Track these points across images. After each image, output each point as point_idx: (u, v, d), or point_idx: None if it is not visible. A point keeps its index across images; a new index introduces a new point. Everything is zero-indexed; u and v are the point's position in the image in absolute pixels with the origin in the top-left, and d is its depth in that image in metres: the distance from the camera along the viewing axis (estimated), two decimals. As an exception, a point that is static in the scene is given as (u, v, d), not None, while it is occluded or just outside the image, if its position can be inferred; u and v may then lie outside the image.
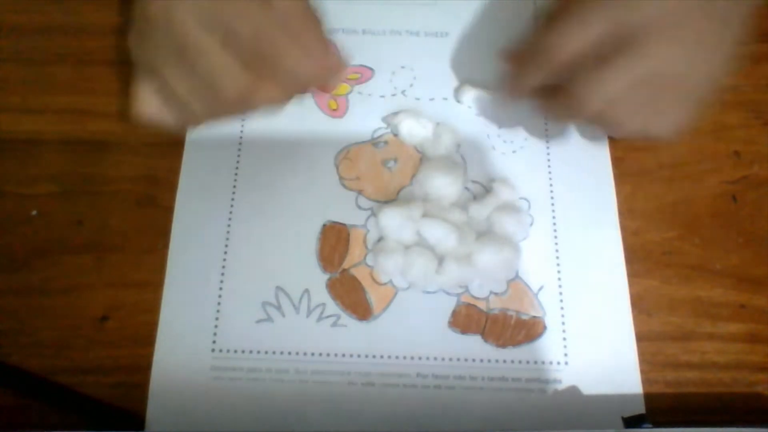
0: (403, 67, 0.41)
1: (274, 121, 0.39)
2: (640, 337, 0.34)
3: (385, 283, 0.35)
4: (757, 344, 0.35)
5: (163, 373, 0.33)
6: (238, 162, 0.38)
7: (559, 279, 0.36)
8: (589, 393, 0.33)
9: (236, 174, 0.38)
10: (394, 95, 0.40)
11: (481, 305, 0.35)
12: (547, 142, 0.39)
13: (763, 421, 0.33)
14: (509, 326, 0.35)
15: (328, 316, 0.35)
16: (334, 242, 0.36)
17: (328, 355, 0.34)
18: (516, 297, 0.35)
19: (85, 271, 0.35)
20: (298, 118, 0.39)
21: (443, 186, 0.36)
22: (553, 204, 0.37)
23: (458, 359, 0.34)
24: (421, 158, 0.38)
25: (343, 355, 0.34)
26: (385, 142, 0.39)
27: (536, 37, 0.33)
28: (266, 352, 0.34)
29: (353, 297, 0.35)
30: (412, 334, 0.34)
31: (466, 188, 0.37)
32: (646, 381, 0.34)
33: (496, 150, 0.39)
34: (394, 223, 0.35)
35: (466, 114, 0.39)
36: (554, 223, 0.37)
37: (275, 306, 0.35)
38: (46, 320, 0.34)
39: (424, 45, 0.41)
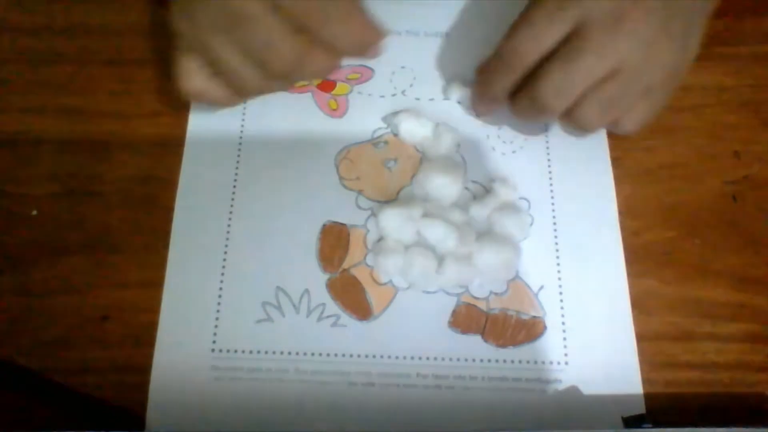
0: (403, 67, 0.41)
1: (274, 121, 0.39)
2: (640, 337, 0.34)
3: (385, 283, 0.35)
4: (757, 344, 0.35)
5: (163, 373, 0.33)
6: (238, 162, 0.38)
7: (559, 279, 0.36)
8: (589, 393, 0.33)
9: (236, 174, 0.38)
10: (394, 95, 0.40)
11: (481, 305, 0.35)
12: (547, 142, 0.39)
13: (763, 421, 0.33)
14: (509, 326, 0.35)
15: (328, 316, 0.35)
16: (334, 242, 0.36)
17: (328, 355, 0.34)
18: (516, 297, 0.35)
19: (85, 271, 0.35)
20: (298, 118, 0.39)
21: (443, 186, 0.36)
22: (553, 204, 0.37)
23: (458, 359, 0.34)
24: (421, 158, 0.38)
25: (343, 355, 0.34)
26: (385, 142, 0.39)
27: (501, 44, 0.34)
28: (266, 352, 0.34)
29: (353, 297, 0.35)
30: (412, 334, 0.34)
31: (466, 188, 0.37)
32: (646, 381, 0.34)
33: (496, 150, 0.39)
34: (394, 223, 0.35)
35: (466, 114, 0.39)
36: (554, 223, 0.37)
37: (275, 306, 0.35)
38: (46, 320, 0.34)
39: (424, 45, 0.41)
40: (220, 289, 0.35)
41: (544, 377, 0.34)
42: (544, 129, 0.39)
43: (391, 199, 0.37)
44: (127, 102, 0.39)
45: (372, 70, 0.40)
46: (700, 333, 0.35)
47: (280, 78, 0.32)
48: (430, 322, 0.35)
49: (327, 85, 0.40)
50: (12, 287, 0.35)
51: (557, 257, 0.36)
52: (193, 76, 0.32)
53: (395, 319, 0.35)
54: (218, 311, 0.35)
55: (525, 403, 0.33)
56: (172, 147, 0.38)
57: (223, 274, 0.35)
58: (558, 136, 0.39)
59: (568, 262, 0.36)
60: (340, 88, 0.40)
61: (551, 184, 0.38)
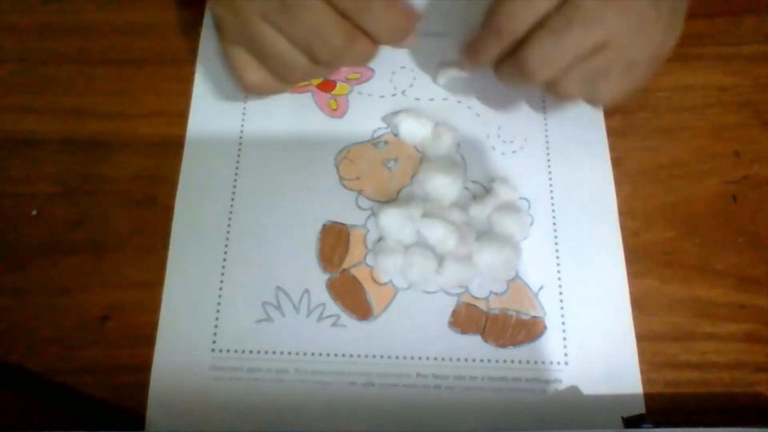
0: (403, 67, 0.41)
1: (274, 121, 0.39)
2: (640, 337, 0.34)
3: (385, 283, 0.35)
4: (757, 344, 0.35)
5: (163, 373, 0.33)
6: (238, 162, 0.38)
7: (559, 279, 0.36)
8: (589, 393, 0.33)
9: (236, 174, 0.38)
10: (394, 95, 0.40)
11: (481, 305, 0.35)
12: (547, 142, 0.39)
13: (763, 421, 0.33)
14: (509, 326, 0.35)
15: (328, 316, 0.35)
16: (334, 242, 0.36)
17: (328, 355, 0.34)
18: (516, 297, 0.35)
19: (85, 271, 0.35)
20: (298, 118, 0.39)
21: (443, 186, 0.36)
22: (553, 204, 0.37)
23: (458, 359, 0.34)
24: (421, 158, 0.38)
25: (343, 355, 0.34)
26: (385, 142, 0.39)
27: (487, 14, 0.33)
28: (266, 352, 0.34)
29: (353, 297, 0.35)
30: (412, 334, 0.34)
31: (466, 188, 0.37)
32: (646, 381, 0.34)
33: (496, 150, 0.39)
34: (394, 223, 0.35)
35: (466, 114, 0.39)
36: (554, 223, 0.37)
37: (275, 306, 0.35)
38: (46, 320, 0.34)
39: (424, 45, 0.41)
40: (220, 289, 0.35)
41: (544, 377, 0.34)
42: (544, 127, 0.39)
43: (391, 199, 0.37)
44: (127, 102, 0.39)
45: (372, 70, 0.40)
46: (700, 333, 0.35)
47: (325, 64, 0.32)
48: (430, 322, 0.35)
49: (327, 85, 0.40)
50: (12, 287, 0.35)
51: (557, 257, 0.36)
52: (250, 67, 0.33)
53: (395, 319, 0.34)
54: (218, 311, 0.35)
55: (525, 403, 0.33)
56: (172, 147, 0.38)
57: (223, 274, 0.35)
58: (558, 135, 0.39)
59: (568, 262, 0.36)
60: (340, 88, 0.40)
61: (551, 184, 0.38)
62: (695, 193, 0.38)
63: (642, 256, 0.36)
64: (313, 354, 0.34)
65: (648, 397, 0.33)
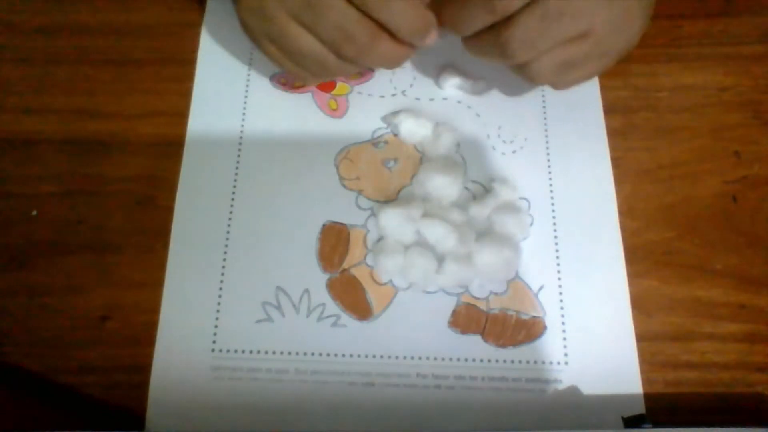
0: (403, 67, 0.40)
1: (274, 121, 0.39)
2: (640, 337, 0.34)
3: (385, 283, 0.35)
4: (757, 344, 0.35)
5: (163, 373, 0.33)
6: (238, 162, 0.38)
7: (559, 279, 0.36)
8: (589, 393, 0.33)
9: (236, 174, 0.38)
10: (394, 95, 0.40)
11: (481, 305, 0.35)
12: (547, 142, 0.39)
13: (763, 421, 0.33)
14: (509, 326, 0.35)
15: (328, 316, 0.35)
16: (334, 242, 0.36)
17: (328, 355, 0.34)
18: (516, 297, 0.35)
19: (85, 271, 0.35)
20: (298, 118, 0.39)
21: (443, 186, 0.36)
22: (553, 204, 0.37)
23: (458, 359, 0.34)
24: (421, 158, 0.38)
25: (343, 355, 0.34)
26: (385, 142, 0.39)
27: None
28: (266, 352, 0.34)
29: (353, 297, 0.35)
30: (412, 334, 0.34)
31: (466, 188, 0.37)
32: (646, 381, 0.34)
33: (496, 150, 0.39)
34: (394, 223, 0.35)
35: (466, 114, 0.39)
36: (554, 223, 0.37)
37: (275, 306, 0.35)
38: (46, 320, 0.34)
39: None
40: (220, 289, 0.35)
41: (544, 377, 0.34)
42: (544, 127, 0.39)
43: (391, 199, 0.37)
44: (127, 102, 0.39)
45: (372, 70, 0.40)
46: (700, 333, 0.35)
47: (352, 61, 0.33)
48: (430, 322, 0.35)
49: (327, 85, 0.40)
50: (12, 287, 0.35)
51: (557, 257, 0.36)
52: (294, 66, 0.34)
53: (395, 319, 0.35)
54: (218, 311, 0.35)
55: (525, 403, 0.33)
56: (172, 147, 0.38)
57: (223, 274, 0.35)
58: (558, 135, 0.39)
59: (568, 262, 0.36)
60: (340, 88, 0.40)
61: (551, 184, 0.38)
62: (695, 193, 0.38)
63: (642, 256, 0.36)
64: (313, 354, 0.34)
65: (648, 397, 0.33)
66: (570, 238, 0.36)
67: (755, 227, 0.37)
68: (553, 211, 0.37)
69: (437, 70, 0.40)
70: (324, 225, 0.36)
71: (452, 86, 0.40)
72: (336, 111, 0.39)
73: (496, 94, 0.40)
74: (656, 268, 0.36)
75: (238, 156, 0.38)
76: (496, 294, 0.35)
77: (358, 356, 0.34)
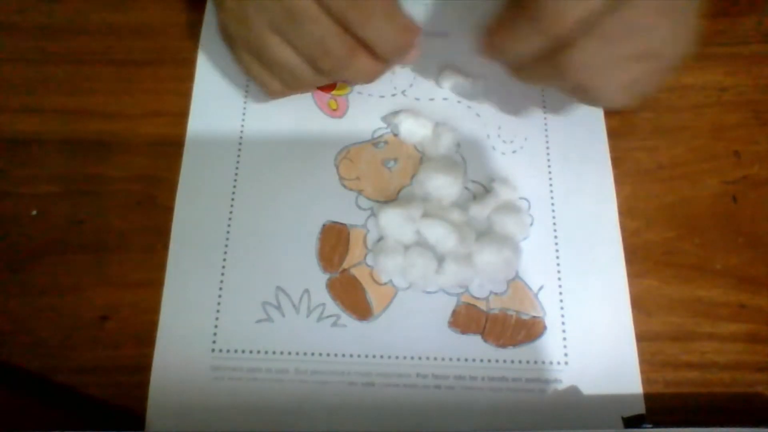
0: (403, 67, 0.41)
1: (274, 121, 0.39)
2: (640, 337, 0.34)
3: (385, 283, 0.35)
4: (757, 344, 0.35)
5: (163, 373, 0.33)
6: (238, 162, 0.38)
7: (559, 279, 0.36)
8: (589, 393, 0.33)
9: (236, 174, 0.38)
10: (394, 95, 0.40)
11: (481, 305, 0.35)
12: (547, 142, 0.39)
13: (763, 421, 0.33)
14: (509, 326, 0.35)
15: (328, 316, 0.35)
16: (334, 242, 0.36)
17: (328, 355, 0.34)
18: (516, 297, 0.35)
19: (85, 271, 0.35)
20: (298, 118, 0.39)
21: (443, 186, 0.36)
22: (553, 204, 0.37)
23: (458, 359, 0.34)
24: (421, 158, 0.38)
25: (343, 355, 0.34)
26: (385, 142, 0.39)
27: (531, 6, 0.30)
28: (266, 352, 0.34)
29: (353, 297, 0.35)
30: (412, 334, 0.34)
31: (466, 188, 0.37)
32: (646, 381, 0.34)
33: (496, 150, 0.39)
34: (394, 223, 0.35)
35: (466, 114, 0.39)
36: (554, 223, 0.37)
37: (275, 306, 0.35)
38: (46, 320, 0.34)
39: (424, 45, 0.41)
40: (220, 289, 0.35)
41: (544, 377, 0.34)
42: (544, 127, 0.39)
43: (391, 199, 0.37)
44: (127, 102, 0.39)
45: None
46: (700, 333, 0.35)
47: (328, 74, 0.33)
48: (430, 322, 0.35)
49: (327, 86, 0.40)
50: (12, 287, 0.35)
51: (557, 257, 0.36)
52: (267, 76, 0.34)
53: (395, 319, 0.35)
54: (218, 311, 0.35)
55: (525, 403, 0.33)
56: (172, 147, 0.38)
57: (223, 274, 0.35)
58: (558, 135, 0.39)
59: (568, 262, 0.36)
60: (340, 88, 0.40)
61: (551, 184, 0.38)
62: (695, 193, 0.38)
63: (642, 256, 0.36)
64: (313, 354, 0.34)
65: (648, 397, 0.33)
66: (570, 238, 0.36)
67: (755, 227, 0.37)
68: (553, 211, 0.37)
69: (437, 70, 0.40)
70: (324, 225, 0.36)
71: (452, 86, 0.40)
72: (336, 111, 0.39)
73: (496, 94, 0.40)
74: (656, 268, 0.36)
75: (238, 156, 0.38)
76: (496, 294, 0.35)
77: (358, 356, 0.34)
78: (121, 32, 0.41)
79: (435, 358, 0.34)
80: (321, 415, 0.33)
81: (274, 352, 0.34)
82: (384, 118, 0.39)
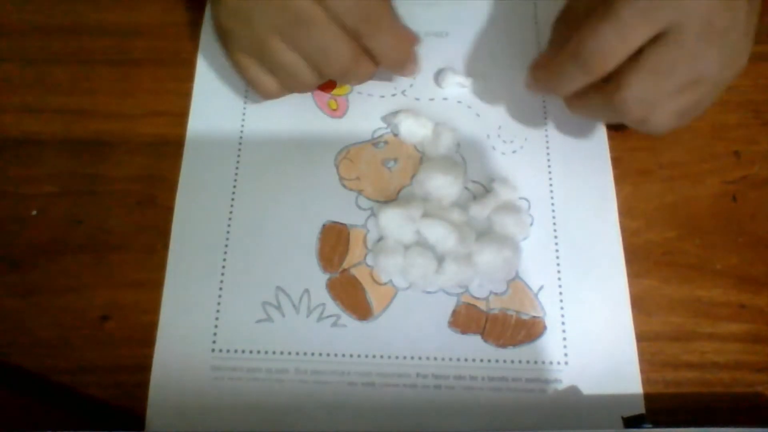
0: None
1: (274, 121, 0.39)
2: (640, 337, 0.34)
3: (385, 283, 0.35)
4: (757, 344, 0.35)
5: (163, 373, 0.33)
6: (238, 162, 0.38)
7: (559, 279, 0.36)
8: (589, 393, 0.33)
9: (236, 174, 0.38)
10: (394, 95, 0.40)
11: (481, 305, 0.35)
12: (547, 142, 0.39)
13: (763, 421, 0.33)
14: (509, 326, 0.35)
15: (328, 316, 0.35)
16: (334, 242, 0.36)
17: (328, 355, 0.34)
18: (516, 297, 0.35)
19: (85, 271, 0.35)
20: (298, 118, 0.39)
21: (443, 186, 0.36)
22: (553, 204, 0.37)
23: (458, 359, 0.34)
24: (421, 158, 0.38)
25: (343, 355, 0.34)
26: (385, 142, 0.39)
27: (573, 42, 0.31)
28: (266, 352, 0.34)
29: (353, 297, 0.35)
30: (412, 334, 0.34)
31: (466, 188, 0.37)
32: (646, 381, 0.34)
33: (496, 150, 0.39)
34: (394, 223, 0.35)
35: (466, 114, 0.39)
36: (554, 223, 0.37)
37: (275, 306, 0.35)
38: (46, 320, 0.34)
39: (424, 45, 0.41)
40: (220, 289, 0.35)
41: (544, 377, 0.34)
42: (544, 128, 0.39)
43: (391, 199, 0.37)
44: (127, 102, 0.39)
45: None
46: (700, 333, 0.35)
47: (329, 78, 0.34)
48: (430, 322, 0.35)
49: (327, 85, 0.40)
50: (12, 287, 0.35)
51: (557, 257, 0.36)
52: (263, 75, 0.34)
53: (395, 319, 0.34)
54: (218, 311, 0.35)
55: (525, 403, 0.33)
56: (172, 147, 0.38)
57: (223, 274, 0.35)
58: (558, 135, 0.39)
59: (568, 262, 0.36)
60: (340, 88, 0.40)
61: (551, 184, 0.38)
62: (695, 193, 0.38)
63: (642, 256, 0.36)
64: (313, 354, 0.34)
65: (648, 397, 0.33)
66: (570, 238, 0.36)
67: (755, 227, 0.37)
68: (553, 211, 0.37)
69: (437, 70, 0.40)
70: (324, 225, 0.36)
71: (452, 86, 0.40)
72: (336, 111, 0.39)
73: (496, 94, 0.40)
74: (656, 268, 0.36)
75: (238, 156, 0.38)
76: (496, 294, 0.35)
77: (358, 356, 0.34)
78: (121, 32, 0.41)
79: (435, 358, 0.34)
80: (321, 415, 0.33)
81: (274, 352, 0.34)
82: (384, 118, 0.39)
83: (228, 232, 0.36)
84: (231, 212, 0.37)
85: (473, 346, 0.34)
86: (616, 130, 0.39)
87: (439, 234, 0.35)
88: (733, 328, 0.35)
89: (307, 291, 0.35)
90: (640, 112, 0.31)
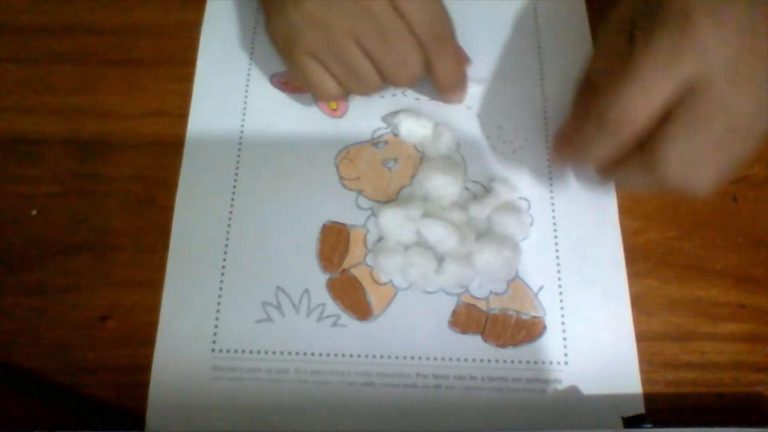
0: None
1: (274, 121, 0.39)
2: (640, 337, 0.34)
3: (385, 283, 0.35)
4: (757, 344, 0.35)
5: (163, 373, 0.33)
6: (238, 162, 0.38)
7: (559, 279, 0.36)
8: (589, 393, 0.33)
9: (236, 174, 0.38)
10: (394, 95, 0.40)
11: (481, 305, 0.35)
12: (547, 142, 0.39)
13: (763, 421, 0.33)
14: (509, 326, 0.35)
15: (328, 316, 0.35)
16: (334, 242, 0.36)
17: (328, 355, 0.34)
18: (516, 297, 0.35)
19: (85, 271, 0.35)
20: (298, 118, 0.39)
21: (443, 186, 0.36)
22: (553, 204, 0.37)
23: (458, 359, 0.34)
24: (421, 158, 0.38)
25: (343, 355, 0.34)
26: (385, 142, 0.39)
27: (595, 107, 0.30)
28: (266, 352, 0.34)
29: (353, 297, 0.35)
30: (412, 334, 0.34)
31: (466, 188, 0.37)
32: (645, 381, 0.34)
33: (496, 150, 0.39)
34: (394, 223, 0.35)
35: (466, 114, 0.39)
36: (554, 223, 0.37)
37: (275, 306, 0.35)
38: (46, 320, 0.34)
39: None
40: (220, 289, 0.35)
41: (544, 377, 0.34)
42: (544, 128, 0.39)
43: (391, 199, 0.37)
44: (127, 102, 0.39)
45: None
46: (700, 333, 0.35)
47: (393, 84, 0.35)
48: (430, 322, 0.35)
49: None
50: (12, 287, 0.35)
51: (557, 257, 0.36)
52: (326, 79, 0.34)
53: (395, 319, 0.34)
54: (218, 311, 0.35)
55: (525, 403, 0.33)
56: (172, 147, 0.38)
57: (223, 274, 0.35)
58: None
59: (568, 262, 0.36)
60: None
61: (551, 184, 0.38)
62: (695, 193, 0.38)
63: (642, 256, 0.36)
64: (313, 354, 0.34)
65: (648, 397, 0.33)
66: (570, 238, 0.36)
67: (755, 227, 0.37)
68: (553, 211, 0.37)
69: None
70: (324, 225, 0.36)
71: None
72: (336, 111, 0.39)
73: (496, 94, 0.40)
74: (656, 268, 0.36)
75: (238, 156, 0.38)
76: (496, 294, 0.35)
77: (358, 356, 0.34)
78: (122, 32, 0.41)
79: (435, 358, 0.34)
80: (321, 415, 0.33)
81: (274, 352, 0.34)
82: (384, 118, 0.39)
83: (228, 232, 0.36)
84: (231, 212, 0.37)
85: (473, 346, 0.34)
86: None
87: (439, 234, 0.35)
88: (733, 328, 0.35)
89: (307, 291, 0.35)
90: (681, 173, 0.28)
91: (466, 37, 0.41)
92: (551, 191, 0.38)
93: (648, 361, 0.34)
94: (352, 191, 0.37)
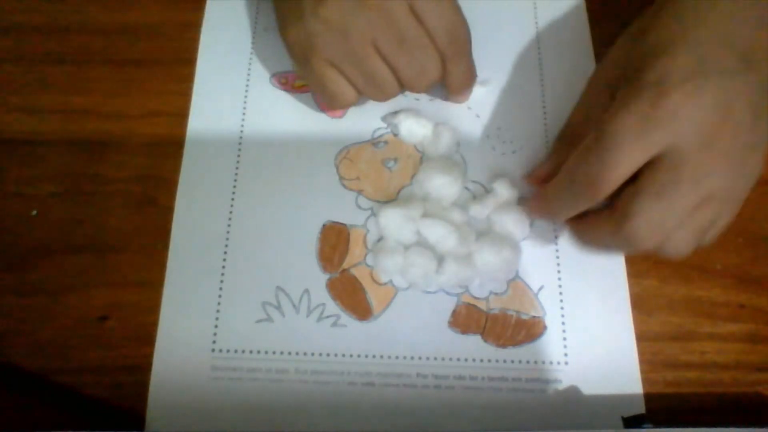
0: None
1: (274, 121, 0.39)
2: (640, 337, 0.34)
3: (385, 283, 0.35)
4: (757, 344, 0.35)
5: (163, 373, 0.33)
6: (238, 162, 0.38)
7: (559, 279, 0.36)
8: (589, 393, 0.33)
9: (236, 174, 0.38)
10: (394, 95, 0.40)
11: (481, 305, 0.35)
12: (547, 141, 0.39)
13: (763, 421, 0.33)
14: (509, 326, 0.35)
15: (328, 316, 0.35)
16: (334, 242, 0.36)
17: (328, 355, 0.34)
18: (516, 297, 0.35)
19: (85, 271, 0.35)
20: (298, 118, 0.39)
21: (443, 186, 0.36)
22: (553, 204, 0.37)
23: (458, 359, 0.34)
24: (421, 158, 0.38)
25: (343, 355, 0.34)
26: (385, 142, 0.39)
27: (567, 167, 0.31)
28: (266, 352, 0.34)
29: (353, 297, 0.35)
30: (412, 334, 0.34)
31: (466, 188, 0.37)
32: (646, 381, 0.34)
33: (496, 150, 0.39)
34: (394, 223, 0.35)
35: (466, 114, 0.39)
36: (554, 223, 0.37)
37: (275, 306, 0.35)
38: (46, 320, 0.34)
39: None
40: (220, 289, 0.35)
41: (544, 377, 0.34)
42: (544, 128, 0.39)
43: (391, 199, 0.37)
44: (127, 102, 0.39)
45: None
46: (700, 333, 0.35)
47: (409, 90, 0.35)
48: (430, 322, 0.35)
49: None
50: (12, 287, 0.35)
51: (557, 257, 0.36)
52: (343, 86, 0.34)
53: (395, 319, 0.35)
54: (218, 311, 0.35)
55: (525, 403, 0.33)
56: (172, 147, 0.38)
57: (223, 274, 0.35)
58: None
59: (568, 262, 0.36)
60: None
61: (551, 184, 0.38)
62: (695, 193, 0.38)
63: (642, 256, 0.36)
64: (313, 354, 0.34)
65: (648, 397, 0.33)
66: (570, 238, 0.36)
67: (755, 227, 0.37)
68: (553, 211, 0.37)
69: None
70: (324, 225, 0.36)
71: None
72: (336, 111, 0.39)
73: (496, 95, 0.40)
74: (656, 268, 0.36)
75: (238, 156, 0.38)
76: (496, 294, 0.35)
77: (358, 356, 0.34)
78: (121, 32, 0.41)
79: (435, 358, 0.34)
80: (321, 415, 0.33)
81: (274, 352, 0.34)
82: (384, 118, 0.39)
83: (228, 232, 0.36)
84: (231, 212, 0.37)
85: (473, 346, 0.34)
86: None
87: (439, 234, 0.35)
88: (733, 328, 0.35)
89: (307, 291, 0.35)
90: (653, 240, 0.29)
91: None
92: (551, 191, 0.37)
93: (648, 361, 0.34)
94: (352, 191, 0.37)
